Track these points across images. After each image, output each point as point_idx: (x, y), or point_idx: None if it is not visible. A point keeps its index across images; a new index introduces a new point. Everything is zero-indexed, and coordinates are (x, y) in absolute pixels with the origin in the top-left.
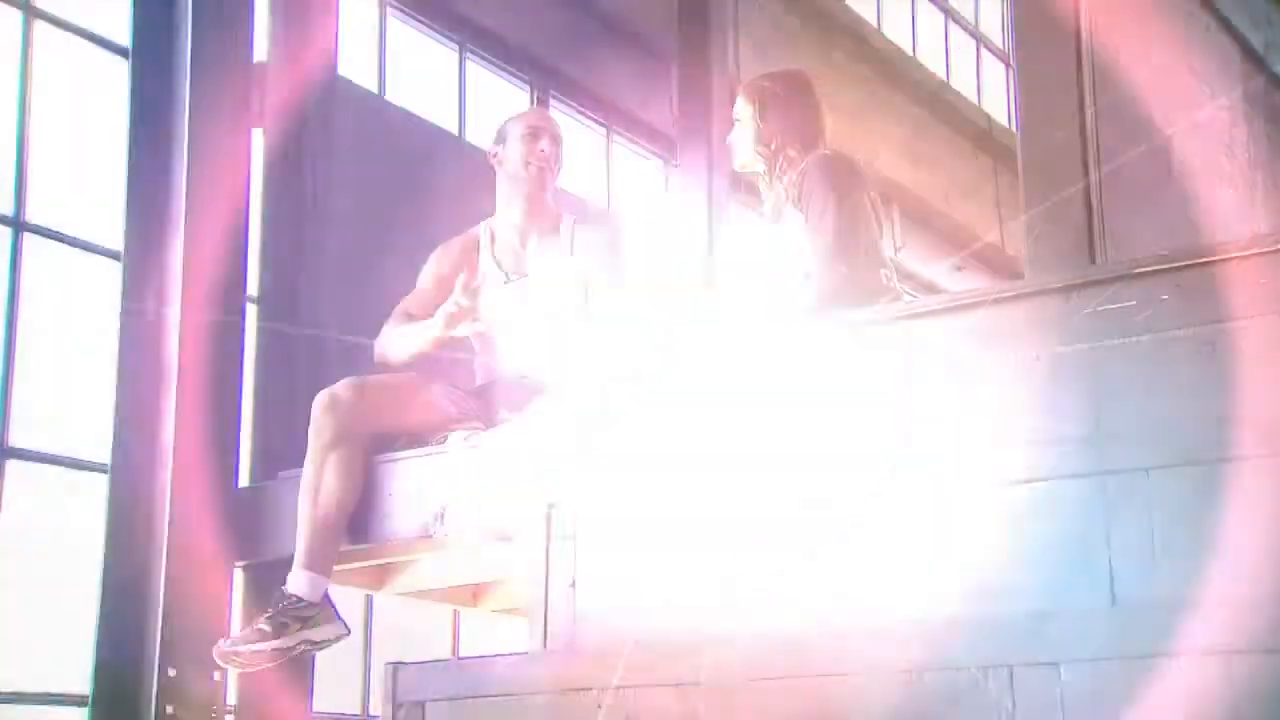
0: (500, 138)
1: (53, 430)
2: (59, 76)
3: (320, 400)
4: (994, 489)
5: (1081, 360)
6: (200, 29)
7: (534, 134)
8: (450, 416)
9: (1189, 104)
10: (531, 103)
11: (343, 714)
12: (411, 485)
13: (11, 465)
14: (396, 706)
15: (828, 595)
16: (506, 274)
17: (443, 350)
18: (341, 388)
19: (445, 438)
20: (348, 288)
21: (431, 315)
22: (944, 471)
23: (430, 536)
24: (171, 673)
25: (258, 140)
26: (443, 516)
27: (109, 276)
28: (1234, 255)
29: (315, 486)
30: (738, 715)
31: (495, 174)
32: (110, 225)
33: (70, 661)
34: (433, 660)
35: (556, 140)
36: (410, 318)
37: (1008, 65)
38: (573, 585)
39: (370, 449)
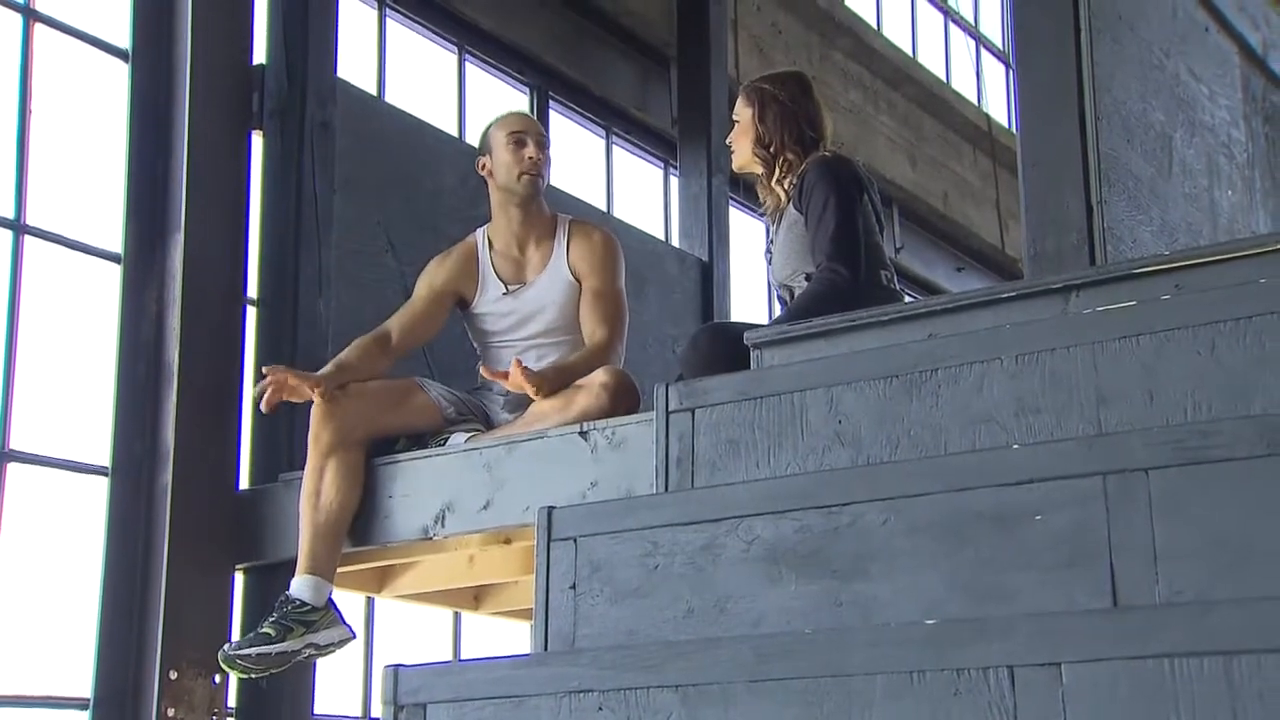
0: (485, 147)
1: (53, 433)
2: (59, 79)
3: (316, 408)
4: (994, 489)
5: (1081, 360)
6: (199, 32)
7: (518, 141)
8: (448, 418)
9: (1188, 104)
10: (531, 105)
11: (343, 717)
12: (412, 487)
13: (12, 468)
14: (397, 709)
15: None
16: (505, 283)
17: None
18: (337, 394)
19: (446, 439)
20: (347, 290)
21: (415, 331)
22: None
23: (431, 539)
24: (173, 675)
25: (257, 143)
26: (443, 519)
27: (109, 279)
28: (1234, 256)
29: (316, 492)
30: (739, 718)
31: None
32: (110, 228)
33: (71, 664)
34: (434, 662)
35: (542, 142)
36: (377, 339)
37: (1008, 66)
38: (573, 587)
39: (369, 452)
